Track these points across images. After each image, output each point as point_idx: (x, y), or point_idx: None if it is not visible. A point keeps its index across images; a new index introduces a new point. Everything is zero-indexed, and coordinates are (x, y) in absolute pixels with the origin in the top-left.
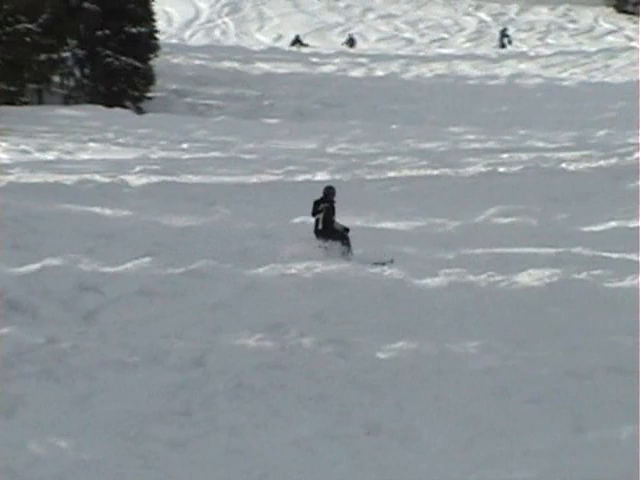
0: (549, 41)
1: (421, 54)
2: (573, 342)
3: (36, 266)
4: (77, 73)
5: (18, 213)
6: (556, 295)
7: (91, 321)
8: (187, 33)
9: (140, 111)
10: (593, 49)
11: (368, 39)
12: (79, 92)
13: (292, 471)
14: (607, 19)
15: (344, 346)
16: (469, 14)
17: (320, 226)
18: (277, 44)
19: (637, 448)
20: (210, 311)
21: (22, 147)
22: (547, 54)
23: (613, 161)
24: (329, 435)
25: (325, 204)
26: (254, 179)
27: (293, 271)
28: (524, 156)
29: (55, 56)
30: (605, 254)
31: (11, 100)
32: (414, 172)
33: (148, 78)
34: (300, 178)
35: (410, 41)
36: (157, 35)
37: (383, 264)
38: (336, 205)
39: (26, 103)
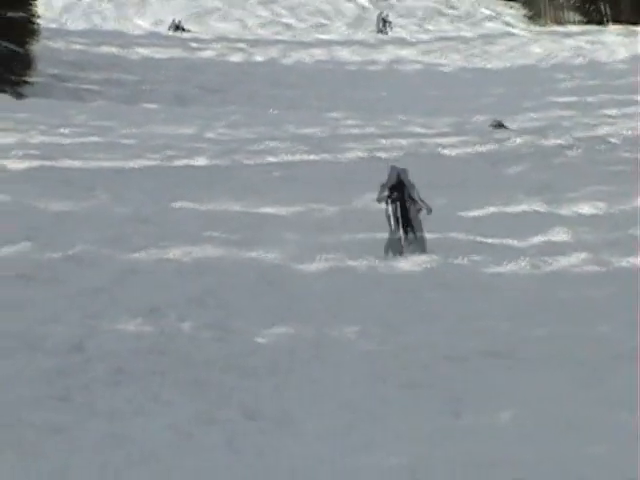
0: (428, 27)
1: (301, 39)
2: (451, 327)
3: None
4: None
5: None
6: (434, 280)
7: None
8: (67, 18)
9: (19, 96)
10: (472, 35)
11: (248, 25)
12: None
13: (170, 455)
14: (486, 5)
15: (223, 331)
16: (349, 0)
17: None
18: (156, 29)
19: (515, 432)
20: (89, 296)
21: None
22: (426, 40)
23: (491, 147)
24: (207, 420)
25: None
26: (133, 164)
27: (172, 256)
28: (403, 141)
29: None
30: (483, 239)
31: None
32: (294, 157)
33: (27, 63)
34: (179, 163)
35: (290, 26)
36: (36, 19)
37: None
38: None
39: None
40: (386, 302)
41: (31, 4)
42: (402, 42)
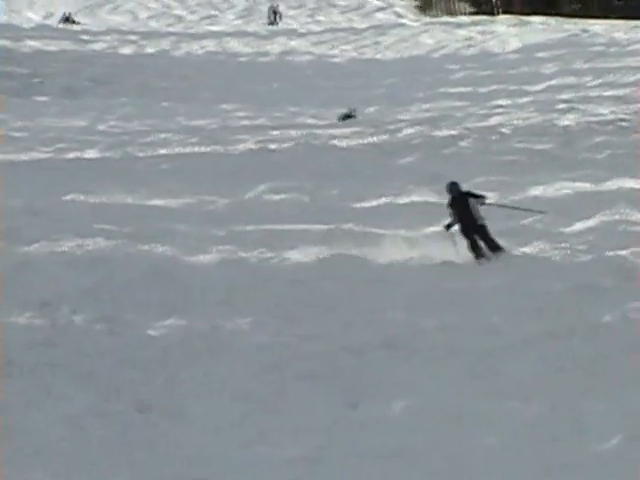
0: (319, 18)
1: (191, 31)
2: (346, 318)
3: None
4: None
5: None
6: (328, 271)
7: None
8: None
9: None
10: (363, 26)
11: (139, 17)
12: None
13: (63, 448)
14: None
15: (114, 324)
16: None
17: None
18: (47, 22)
19: (409, 423)
20: None
21: None
22: (317, 31)
23: (383, 137)
24: (99, 413)
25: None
26: (24, 157)
27: (64, 249)
28: (294, 133)
29: None
30: (376, 230)
31: None
32: (185, 149)
33: None
34: (71, 155)
35: (180, 18)
36: None
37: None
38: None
39: None
40: (280, 294)
41: None
42: (293, 33)
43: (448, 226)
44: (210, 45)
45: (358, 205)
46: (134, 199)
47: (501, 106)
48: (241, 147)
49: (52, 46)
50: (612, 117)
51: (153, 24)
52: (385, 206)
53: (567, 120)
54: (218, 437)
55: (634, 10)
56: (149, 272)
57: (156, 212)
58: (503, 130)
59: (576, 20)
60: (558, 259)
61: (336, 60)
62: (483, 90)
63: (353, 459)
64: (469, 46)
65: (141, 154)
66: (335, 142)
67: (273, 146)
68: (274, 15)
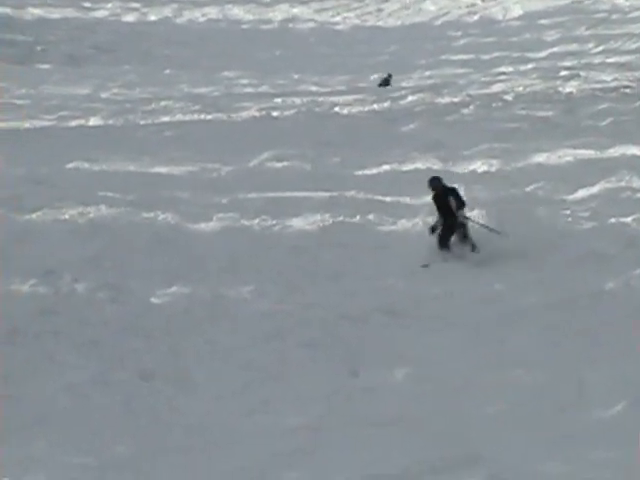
0: None
1: None
2: (348, 286)
3: None
4: None
5: None
6: (330, 239)
7: None
8: None
9: None
10: None
11: None
12: None
13: (66, 416)
14: None
15: (118, 291)
16: None
17: (440, 231)
18: None
19: (411, 391)
20: None
21: None
22: None
23: (386, 105)
24: (103, 381)
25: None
26: (27, 124)
27: (67, 217)
28: (297, 100)
29: None
30: (378, 197)
31: None
32: (187, 117)
33: None
34: (73, 123)
35: None
36: None
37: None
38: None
39: None
40: (282, 261)
41: None
42: (295, 1)
43: (432, 229)
44: (212, 12)
45: (361, 172)
46: (137, 167)
47: (503, 73)
48: (244, 114)
49: (54, 14)
50: (615, 84)
51: None
52: (388, 173)
53: (570, 87)
54: (221, 405)
55: None
56: (152, 240)
57: (159, 180)
58: (506, 97)
59: None
60: (560, 227)
61: (339, 27)
62: (485, 57)
63: (354, 427)
64: (471, 13)
65: (143, 122)
66: (337, 109)
67: (276, 113)
68: None
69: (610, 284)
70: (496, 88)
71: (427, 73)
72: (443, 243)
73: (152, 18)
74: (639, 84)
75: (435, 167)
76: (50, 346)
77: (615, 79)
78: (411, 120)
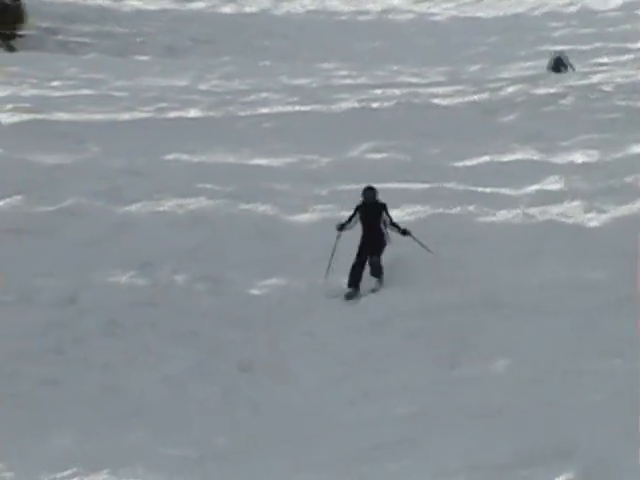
0: None
1: None
2: (447, 277)
3: None
4: None
5: None
6: (429, 230)
7: None
8: None
9: (11, 49)
10: None
11: None
12: None
13: (164, 407)
14: None
15: (216, 283)
16: None
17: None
18: None
19: (511, 381)
20: (82, 249)
21: None
22: None
23: (485, 96)
24: (201, 372)
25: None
26: (125, 116)
27: (165, 208)
28: (396, 92)
29: None
30: (478, 189)
31: None
32: (286, 108)
33: (18, 15)
34: (172, 115)
35: None
36: None
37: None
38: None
39: None
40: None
41: None
42: None
43: (342, 226)
44: (310, 4)
45: (460, 164)
46: (236, 158)
47: (602, 64)
48: (343, 106)
49: (152, 5)
50: None
51: None
52: (487, 164)
53: None
54: (321, 396)
55: None
56: (251, 231)
57: (258, 171)
58: (605, 88)
59: None
60: None
61: (437, 18)
62: (584, 48)
63: (456, 417)
64: (570, 4)
65: (242, 113)
66: (437, 101)
67: (375, 105)
68: None
69: None
70: (595, 79)
71: (526, 64)
72: (353, 278)
73: (250, 10)
74: None
75: (535, 158)
76: (148, 337)
77: None
78: (510, 111)
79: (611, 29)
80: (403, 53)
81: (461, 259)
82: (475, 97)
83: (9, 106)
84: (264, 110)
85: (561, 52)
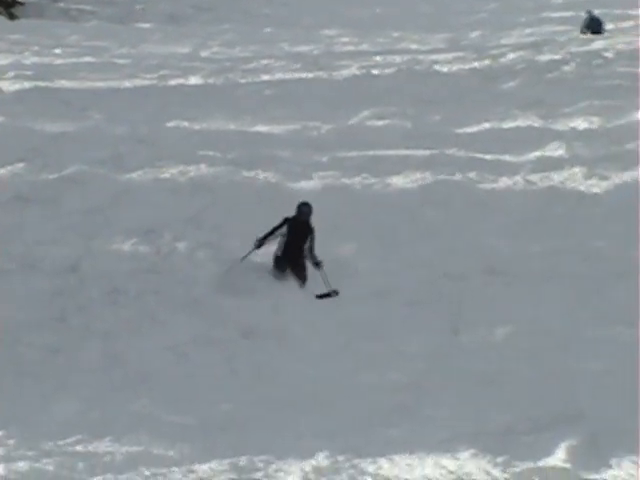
0: None
1: None
2: (449, 244)
3: None
4: None
5: None
6: (431, 197)
7: None
8: None
9: (12, 17)
10: None
11: None
12: None
13: (168, 375)
14: None
15: (218, 250)
16: None
17: (279, 253)
18: None
19: (512, 348)
20: (84, 217)
21: None
22: None
23: (486, 62)
24: (204, 340)
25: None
26: (127, 84)
27: (167, 175)
28: (397, 58)
29: None
30: (479, 155)
31: None
32: (288, 75)
33: None
34: (173, 82)
35: None
36: None
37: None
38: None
39: None
40: (383, 220)
41: None
42: None
43: (261, 242)
44: None
45: (461, 130)
46: (237, 125)
47: (605, 30)
48: (344, 73)
49: None
50: None
51: None
52: (489, 131)
53: None
54: (323, 362)
55: None
56: (252, 199)
57: (259, 138)
58: (606, 54)
59: None
60: None
61: None
62: (585, 14)
63: (456, 384)
64: None
65: (244, 80)
66: (438, 67)
67: (376, 72)
68: None
69: None
70: (597, 45)
71: (527, 30)
72: (279, 264)
73: None
74: None
75: (536, 125)
76: (151, 305)
77: None
78: (512, 78)
79: None
80: (404, 20)
81: (461, 227)
82: (476, 64)
83: (11, 74)
84: (265, 77)
85: (590, 10)
